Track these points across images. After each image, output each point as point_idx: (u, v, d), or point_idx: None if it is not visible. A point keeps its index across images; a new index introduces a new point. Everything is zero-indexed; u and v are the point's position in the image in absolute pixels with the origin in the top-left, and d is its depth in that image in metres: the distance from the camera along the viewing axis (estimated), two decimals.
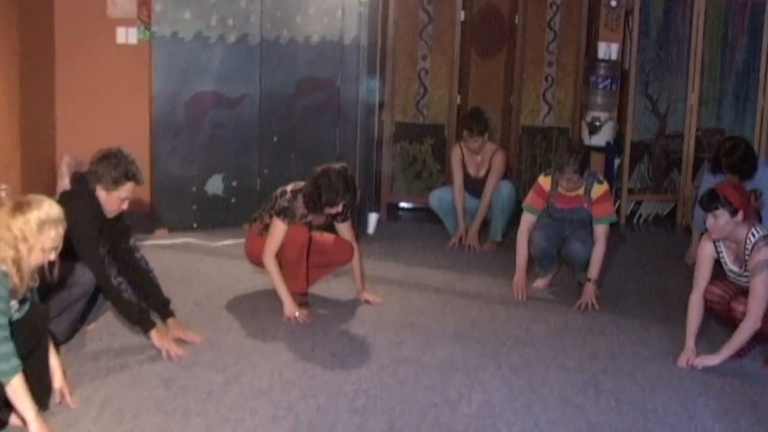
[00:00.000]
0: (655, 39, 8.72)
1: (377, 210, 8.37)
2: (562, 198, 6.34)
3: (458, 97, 8.70)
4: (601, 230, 6.24)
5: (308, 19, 7.72)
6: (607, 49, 8.40)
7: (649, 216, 9.10)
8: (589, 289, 6.22)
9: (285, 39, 7.73)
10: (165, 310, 5.17)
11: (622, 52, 8.61)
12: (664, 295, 6.57)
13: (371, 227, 7.98)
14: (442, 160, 8.79)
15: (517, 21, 8.70)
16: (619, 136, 8.76)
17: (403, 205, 9.11)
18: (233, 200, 7.80)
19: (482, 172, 7.70)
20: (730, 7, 8.68)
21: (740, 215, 4.91)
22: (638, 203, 9.08)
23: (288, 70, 7.78)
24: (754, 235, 4.93)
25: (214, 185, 7.74)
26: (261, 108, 7.76)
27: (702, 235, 5.33)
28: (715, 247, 5.13)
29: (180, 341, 5.07)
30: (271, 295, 5.91)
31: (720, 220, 4.93)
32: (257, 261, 5.92)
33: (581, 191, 6.27)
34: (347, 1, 7.61)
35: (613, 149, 8.43)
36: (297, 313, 5.64)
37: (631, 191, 8.93)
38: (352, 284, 6.29)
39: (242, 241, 6.39)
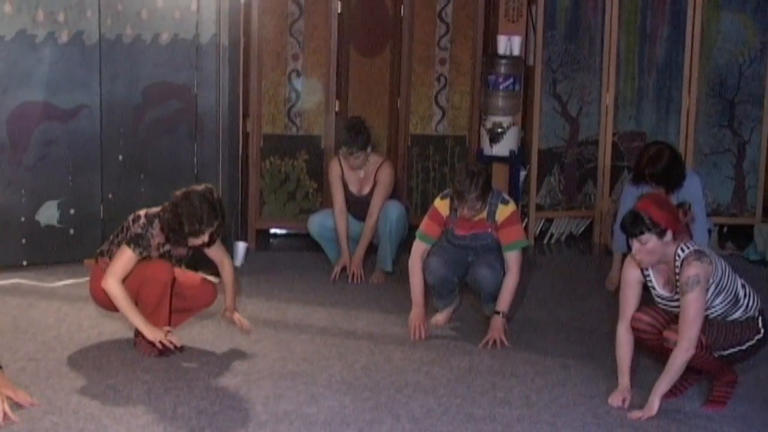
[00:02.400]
0: (563, 31, 8.88)
1: (245, 238, 8.33)
2: (463, 224, 6.40)
3: (336, 103, 8.73)
4: (512, 258, 6.32)
5: (156, 13, 7.65)
6: (508, 44, 8.53)
7: (561, 236, 9.25)
8: (498, 323, 6.28)
9: (129, 38, 7.65)
10: None
11: (526, 46, 8.75)
12: (584, 328, 6.67)
13: (239, 259, 7.93)
14: (319, 177, 8.80)
15: (403, 12, 8.78)
16: (525, 143, 8.90)
17: (275, 231, 9.09)
18: (72, 231, 7.67)
19: (366, 190, 7.72)
20: None
21: (669, 235, 5.01)
22: (548, 221, 9.22)
23: (133, 75, 7.70)
24: (683, 251, 5.03)
25: (48, 214, 7.60)
26: (102, 121, 7.66)
27: (624, 257, 5.42)
28: (642, 269, 5.23)
29: (10, 403, 4.94)
30: (123, 345, 5.83)
31: (647, 245, 5.01)
32: (105, 303, 5.84)
33: (484, 215, 6.34)
34: None
35: (517, 159, 8.55)
36: (164, 338, 5.57)
37: (539, 208, 9.06)
38: (218, 328, 6.27)
39: (85, 280, 6.30)
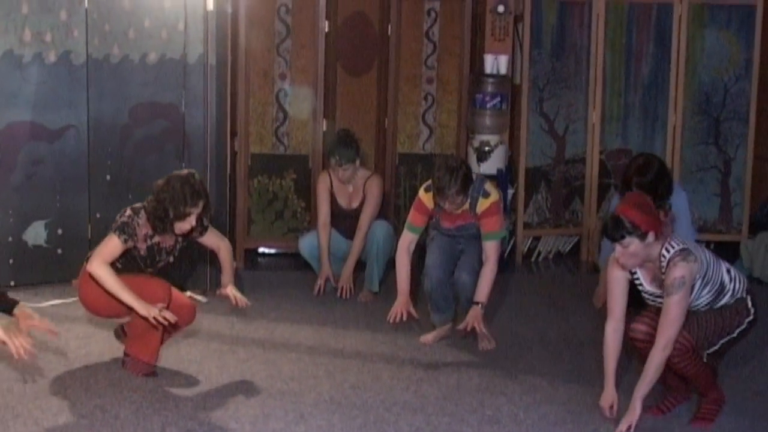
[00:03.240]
0: (550, 49, 8.90)
1: (233, 257, 8.28)
2: (448, 216, 6.46)
3: (324, 123, 8.72)
4: (490, 248, 6.36)
5: (143, 33, 7.63)
6: (495, 62, 8.54)
7: (549, 253, 9.24)
8: (476, 311, 6.29)
9: (116, 57, 7.63)
10: (4, 301, 5.05)
11: (512, 65, 8.76)
12: (572, 345, 6.66)
13: None
14: (307, 196, 8.79)
15: (390, 31, 8.78)
16: (512, 162, 8.89)
17: (262, 250, 9.07)
18: (60, 251, 7.64)
19: (356, 203, 7.73)
20: (633, 10, 8.93)
21: (651, 236, 5.00)
22: (536, 239, 9.21)
23: (120, 94, 7.67)
24: (668, 251, 5.02)
25: (35, 234, 7.57)
26: (89, 140, 7.64)
27: None
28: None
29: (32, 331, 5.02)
30: (111, 365, 5.81)
31: (630, 248, 5.01)
32: (94, 308, 5.84)
33: (466, 206, 6.37)
34: (190, 12, 7.55)
35: (505, 177, 8.55)
36: (158, 313, 5.50)
37: (527, 226, 9.06)
38: (206, 348, 6.26)
39: (72, 300, 6.28)
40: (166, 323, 5.56)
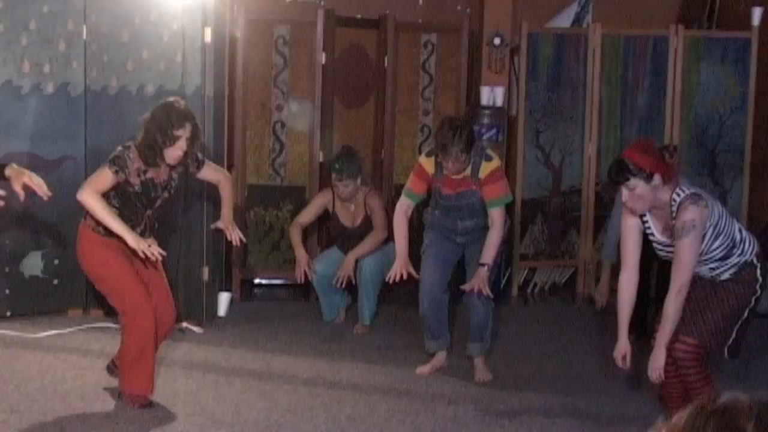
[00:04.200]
0: (546, 81, 8.94)
1: (228, 288, 8.30)
2: (449, 182, 6.40)
3: (321, 154, 8.73)
4: (495, 214, 6.32)
5: (142, 65, 7.66)
6: (491, 94, 8.58)
7: (545, 285, 9.26)
8: (482, 273, 6.26)
9: (114, 89, 7.65)
10: None
11: (509, 97, 8.79)
12: (568, 377, 6.66)
13: (222, 309, 7.91)
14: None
15: (386, 63, 8.81)
16: None
17: (259, 281, 9.07)
18: (56, 282, 7.64)
19: (358, 221, 7.75)
20: (629, 43, 8.98)
21: (657, 179, 4.95)
22: (532, 271, 9.23)
23: (118, 125, 7.66)
24: (678, 195, 4.97)
25: (32, 264, 7.57)
26: (87, 171, 7.59)
27: (614, 266, 5.38)
28: (641, 217, 5.19)
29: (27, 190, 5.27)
30: (107, 396, 5.80)
31: (636, 190, 4.95)
32: (93, 267, 5.81)
33: (468, 172, 6.34)
34: (188, 44, 7.58)
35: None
36: (147, 247, 5.45)
37: (523, 257, 9.08)
38: (203, 379, 6.26)
39: (68, 330, 6.25)
40: (154, 258, 5.52)
